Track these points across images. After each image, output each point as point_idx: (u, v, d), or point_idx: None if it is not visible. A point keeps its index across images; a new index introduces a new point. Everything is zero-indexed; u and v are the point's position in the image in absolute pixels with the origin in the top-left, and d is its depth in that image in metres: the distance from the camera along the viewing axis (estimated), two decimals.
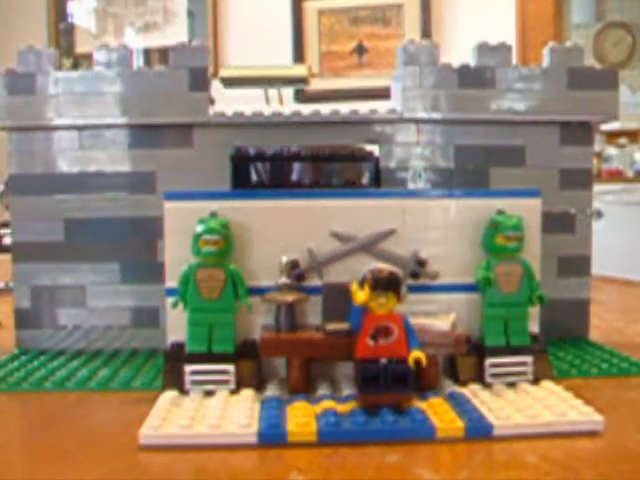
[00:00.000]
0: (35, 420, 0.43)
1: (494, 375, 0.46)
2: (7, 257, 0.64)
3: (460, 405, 0.41)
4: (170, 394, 0.44)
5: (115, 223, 0.61)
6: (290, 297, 0.46)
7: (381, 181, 0.62)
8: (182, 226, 0.47)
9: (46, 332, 0.62)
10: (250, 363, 0.46)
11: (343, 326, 0.44)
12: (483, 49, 0.62)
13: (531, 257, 0.48)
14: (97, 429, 0.41)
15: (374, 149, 0.62)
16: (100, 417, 0.44)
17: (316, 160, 0.63)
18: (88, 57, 2.04)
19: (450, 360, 0.48)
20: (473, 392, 0.44)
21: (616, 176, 1.98)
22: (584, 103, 0.62)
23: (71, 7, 2.20)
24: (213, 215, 0.47)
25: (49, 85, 0.61)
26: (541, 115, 0.62)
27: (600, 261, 0.74)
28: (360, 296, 0.41)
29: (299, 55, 2.06)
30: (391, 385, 0.40)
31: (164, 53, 2.08)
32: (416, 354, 0.40)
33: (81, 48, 2.18)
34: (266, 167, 0.64)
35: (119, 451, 0.37)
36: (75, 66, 2.11)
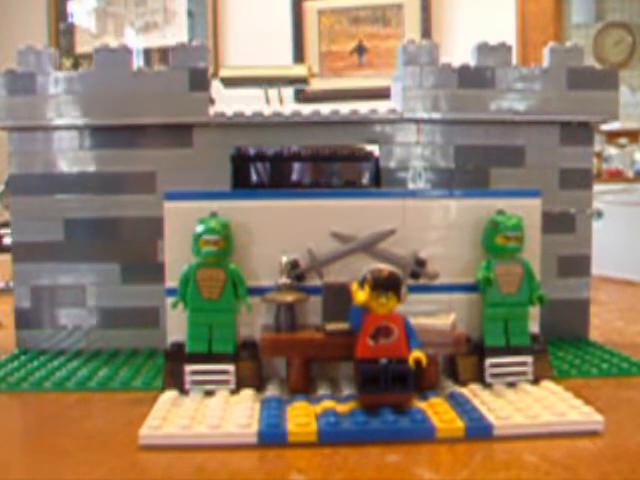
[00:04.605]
0: (35, 420, 0.43)
1: (494, 375, 0.46)
2: (7, 257, 0.64)
3: (460, 405, 0.41)
4: (170, 394, 0.44)
5: (115, 223, 0.61)
6: (290, 297, 0.46)
7: (381, 181, 0.62)
8: (182, 226, 0.47)
9: (46, 332, 0.62)
10: (250, 363, 0.46)
11: (343, 326, 0.44)
12: (483, 49, 0.62)
13: (531, 257, 0.48)
14: (97, 429, 0.41)
15: (374, 149, 0.62)
16: (100, 417, 0.44)
17: (316, 160, 0.63)
18: (88, 57, 2.04)
19: (450, 360, 0.48)
20: (473, 392, 0.44)
21: (616, 176, 1.98)
22: (584, 103, 0.62)
23: (71, 7, 2.20)
24: (213, 215, 0.47)
25: (49, 85, 0.61)
26: (541, 115, 0.62)
27: (600, 261, 0.74)
28: (360, 296, 0.41)
29: (299, 55, 2.07)
30: (391, 385, 0.40)
31: (164, 53, 2.08)
32: (416, 354, 0.40)
33: (81, 48, 2.18)
34: (266, 167, 0.64)
35: (119, 451, 0.37)
36: (75, 66, 2.11)
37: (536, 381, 0.46)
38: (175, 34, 2.11)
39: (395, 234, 0.49)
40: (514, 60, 0.62)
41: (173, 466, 0.35)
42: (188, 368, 0.45)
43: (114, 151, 0.61)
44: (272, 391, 0.44)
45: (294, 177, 0.64)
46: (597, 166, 1.96)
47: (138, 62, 2.08)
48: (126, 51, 0.61)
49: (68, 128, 0.61)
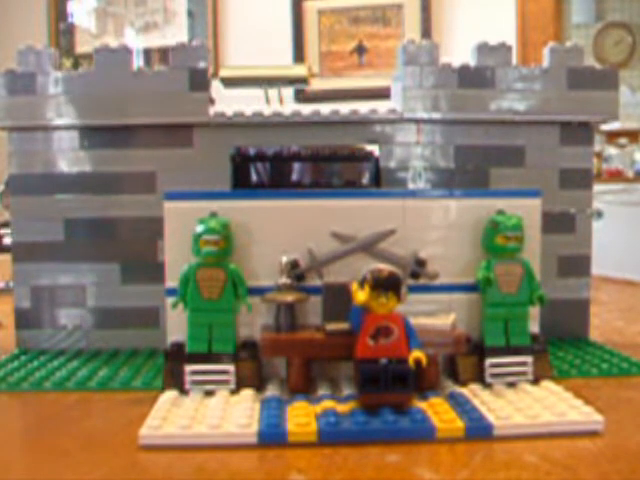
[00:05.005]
0: (35, 420, 0.43)
1: (494, 375, 0.46)
2: (7, 257, 0.64)
3: (460, 405, 0.41)
4: (170, 394, 0.44)
5: (115, 223, 0.61)
6: (290, 297, 0.46)
7: (381, 181, 0.62)
8: (182, 226, 0.47)
9: (46, 332, 0.62)
10: (250, 363, 0.46)
11: (343, 326, 0.44)
12: (483, 49, 0.62)
13: (531, 257, 0.48)
14: (97, 429, 0.41)
15: (374, 149, 0.62)
16: (100, 417, 0.44)
17: (316, 160, 0.63)
18: (88, 57, 2.04)
19: (450, 360, 0.48)
20: (473, 392, 0.44)
21: (616, 176, 1.98)
22: (584, 103, 0.62)
23: (71, 7, 2.20)
24: (213, 215, 0.47)
25: (49, 85, 0.61)
26: (541, 115, 0.62)
27: (600, 261, 0.74)
28: (360, 296, 0.41)
29: (299, 55, 2.07)
30: (391, 385, 0.40)
31: (164, 53, 2.08)
32: (416, 354, 0.40)
33: (81, 48, 2.18)
34: (266, 167, 0.64)
35: (119, 451, 0.37)
36: (75, 66, 2.11)
37: (536, 381, 0.46)
38: (175, 34, 2.11)
39: (395, 234, 0.49)
40: (514, 60, 0.62)
41: (173, 466, 0.35)
42: (188, 368, 0.45)
43: (114, 151, 0.61)
44: (272, 391, 0.44)
45: (294, 177, 0.64)
46: (597, 166, 1.96)
47: (138, 62, 2.08)
48: (126, 51, 0.61)
49: (68, 128, 0.61)
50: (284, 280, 0.47)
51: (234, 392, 0.45)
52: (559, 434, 0.38)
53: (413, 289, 0.47)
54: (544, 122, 0.63)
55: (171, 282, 0.47)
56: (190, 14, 2.12)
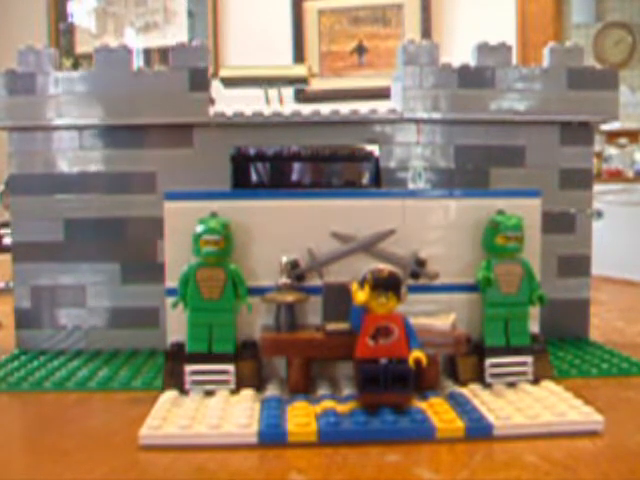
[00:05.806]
0: (35, 420, 0.43)
1: (494, 375, 0.46)
2: (7, 257, 0.64)
3: (460, 405, 0.41)
4: (170, 394, 0.44)
5: (115, 223, 0.61)
6: (290, 297, 0.46)
7: (381, 181, 0.62)
8: (182, 226, 0.47)
9: (46, 332, 0.62)
10: (250, 363, 0.46)
11: (343, 326, 0.44)
12: (483, 49, 0.62)
13: (531, 257, 0.48)
14: (97, 429, 0.41)
15: (374, 149, 0.62)
16: (100, 417, 0.44)
17: (316, 160, 0.63)
18: (88, 57, 2.04)
19: (450, 360, 0.48)
20: (473, 392, 0.44)
21: (616, 176, 1.98)
22: (584, 103, 0.62)
23: (71, 7, 2.20)
24: (213, 215, 0.47)
25: (49, 85, 0.61)
26: (541, 115, 0.62)
27: (600, 261, 0.74)
28: (360, 296, 0.41)
29: (299, 55, 2.07)
30: (391, 385, 0.40)
31: (164, 53, 2.08)
32: (416, 354, 0.40)
33: (81, 48, 2.18)
34: (266, 167, 0.64)
35: (119, 451, 0.37)
36: (75, 66, 2.11)
37: (536, 381, 0.46)
38: (175, 34, 2.12)
39: (395, 234, 0.49)
40: (514, 60, 0.62)
41: (173, 466, 0.35)
42: (188, 368, 0.45)
43: (114, 151, 0.61)
44: (272, 391, 0.44)
45: (294, 177, 0.64)
46: (597, 166, 1.96)
47: (138, 62, 2.08)
48: (126, 51, 0.61)
49: (68, 128, 0.61)
50: (284, 280, 0.47)
51: (234, 392, 0.45)
52: (559, 434, 0.38)
53: (413, 289, 0.47)
54: (544, 122, 0.63)
55: (171, 282, 0.47)
56: (190, 14, 2.13)
